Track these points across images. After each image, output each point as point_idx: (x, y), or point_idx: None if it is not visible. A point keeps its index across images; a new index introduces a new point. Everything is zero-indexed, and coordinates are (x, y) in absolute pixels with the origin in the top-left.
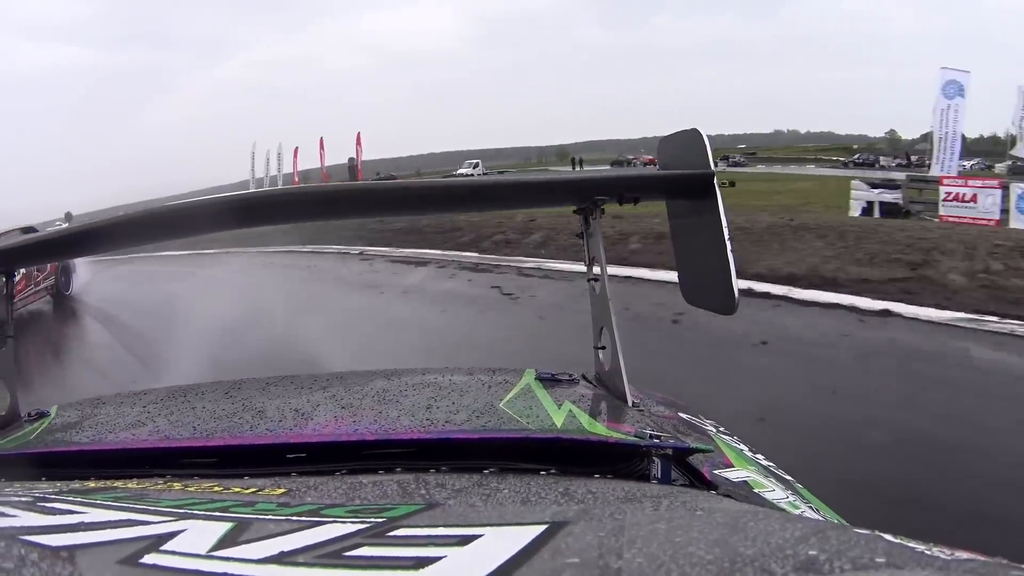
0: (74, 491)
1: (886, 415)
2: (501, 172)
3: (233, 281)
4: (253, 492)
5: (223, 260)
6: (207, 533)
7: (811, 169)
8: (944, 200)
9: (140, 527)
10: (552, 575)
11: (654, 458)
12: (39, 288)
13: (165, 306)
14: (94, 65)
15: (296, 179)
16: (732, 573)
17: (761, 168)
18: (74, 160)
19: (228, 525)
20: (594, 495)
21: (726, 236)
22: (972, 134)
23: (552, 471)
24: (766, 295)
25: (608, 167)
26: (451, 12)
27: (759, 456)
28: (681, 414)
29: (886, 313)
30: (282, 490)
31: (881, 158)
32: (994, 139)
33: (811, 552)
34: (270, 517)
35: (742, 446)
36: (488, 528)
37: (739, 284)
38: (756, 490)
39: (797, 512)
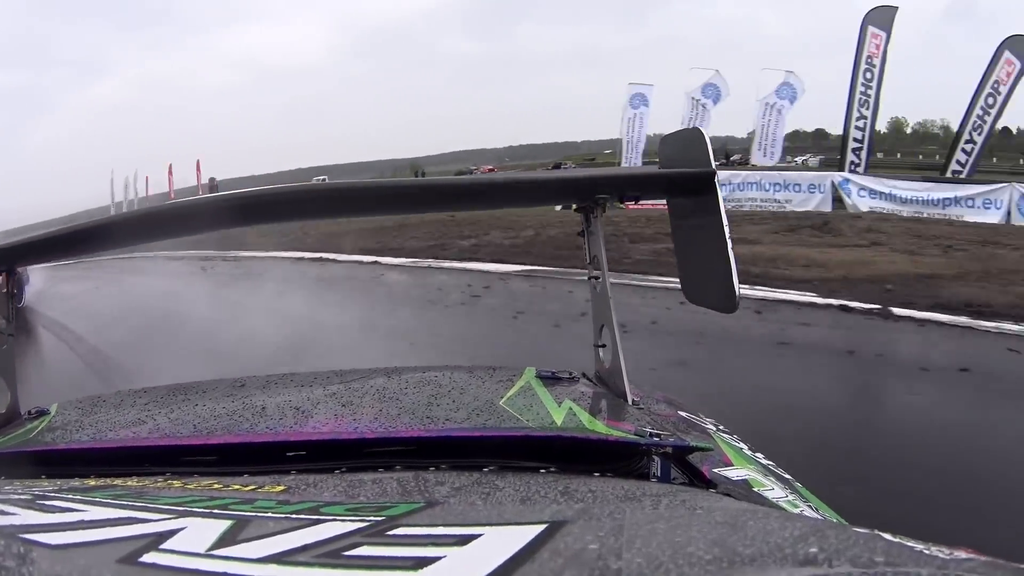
0: (74, 489)
1: None
2: None
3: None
4: (253, 490)
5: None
6: (207, 531)
7: None
8: None
9: (140, 525)
10: (552, 575)
11: (654, 456)
12: None
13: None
14: None
15: (172, 196)
16: (732, 572)
17: None
18: None
19: (228, 523)
20: (594, 494)
21: (727, 234)
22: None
23: (552, 469)
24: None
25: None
26: (320, 25)
27: (759, 455)
28: (681, 412)
29: None
30: (282, 488)
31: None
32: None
33: (810, 551)
34: (269, 515)
35: (742, 444)
36: (488, 527)
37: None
38: (756, 489)
39: (796, 511)
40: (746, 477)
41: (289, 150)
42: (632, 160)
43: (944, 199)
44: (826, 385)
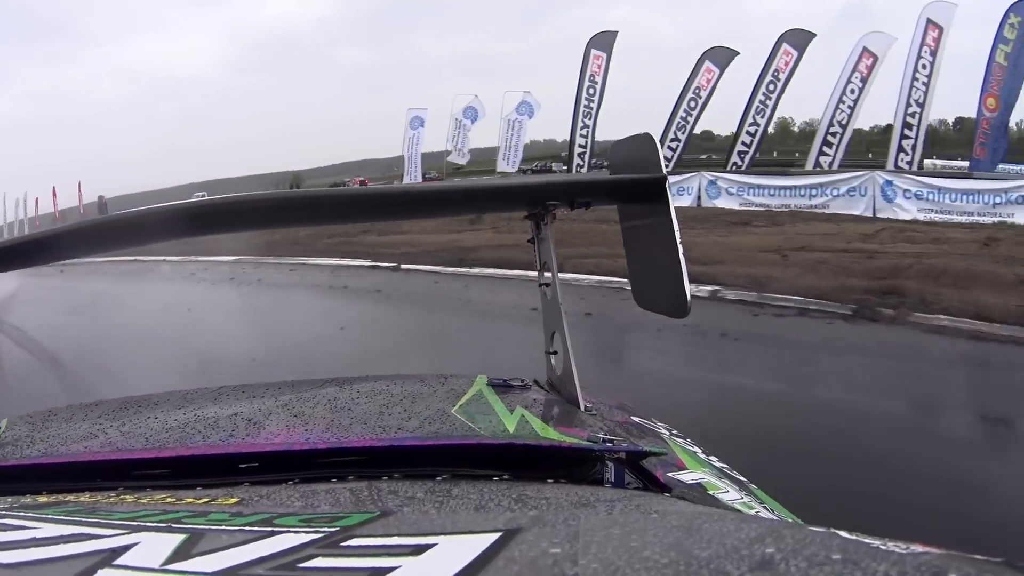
0: (25, 506)
1: None
2: None
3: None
4: (206, 503)
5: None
6: (160, 546)
7: None
8: None
9: (93, 541)
10: None
11: (607, 462)
12: None
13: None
14: None
15: (58, 216)
16: (688, 575)
17: None
18: None
19: (182, 537)
20: (548, 500)
21: (678, 240)
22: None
23: (505, 477)
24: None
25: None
26: (212, 36)
27: (713, 458)
28: (634, 418)
29: None
30: (235, 500)
31: (553, 164)
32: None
33: (767, 551)
34: (223, 528)
35: (696, 448)
36: (442, 536)
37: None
38: (710, 492)
39: (752, 512)
40: (700, 480)
41: (178, 164)
42: (413, 176)
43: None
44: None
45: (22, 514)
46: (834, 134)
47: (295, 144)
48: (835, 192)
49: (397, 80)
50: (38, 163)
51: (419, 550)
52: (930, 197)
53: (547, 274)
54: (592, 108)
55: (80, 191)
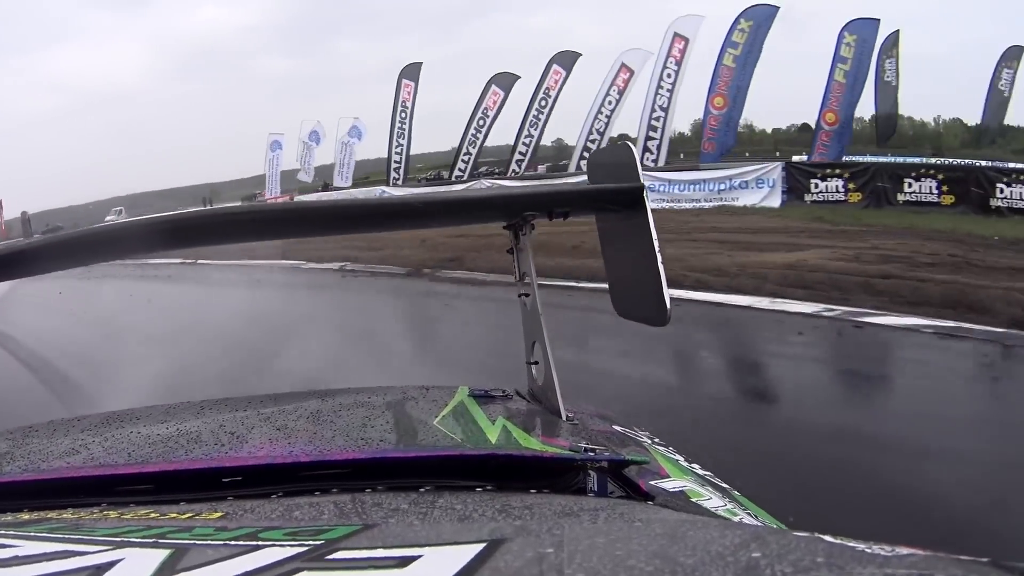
0: (6, 524)
1: None
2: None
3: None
4: (190, 517)
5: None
6: (145, 562)
7: None
8: None
9: (77, 558)
10: None
11: (590, 471)
12: None
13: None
14: None
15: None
16: None
17: None
18: None
19: (166, 552)
20: (531, 510)
21: (656, 248)
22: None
23: (489, 488)
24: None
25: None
26: (137, 46)
27: (695, 466)
28: (615, 427)
29: None
30: (219, 514)
31: (443, 173)
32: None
33: (752, 557)
34: (208, 542)
35: (678, 456)
36: (427, 548)
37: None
38: (693, 499)
39: (736, 519)
40: (683, 488)
41: (100, 178)
42: (272, 191)
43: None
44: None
45: (4, 532)
46: (593, 141)
47: (216, 156)
48: None
49: (322, 89)
50: None
51: (404, 562)
52: (662, 189)
53: (527, 283)
54: (405, 129)
55: (0, 207)
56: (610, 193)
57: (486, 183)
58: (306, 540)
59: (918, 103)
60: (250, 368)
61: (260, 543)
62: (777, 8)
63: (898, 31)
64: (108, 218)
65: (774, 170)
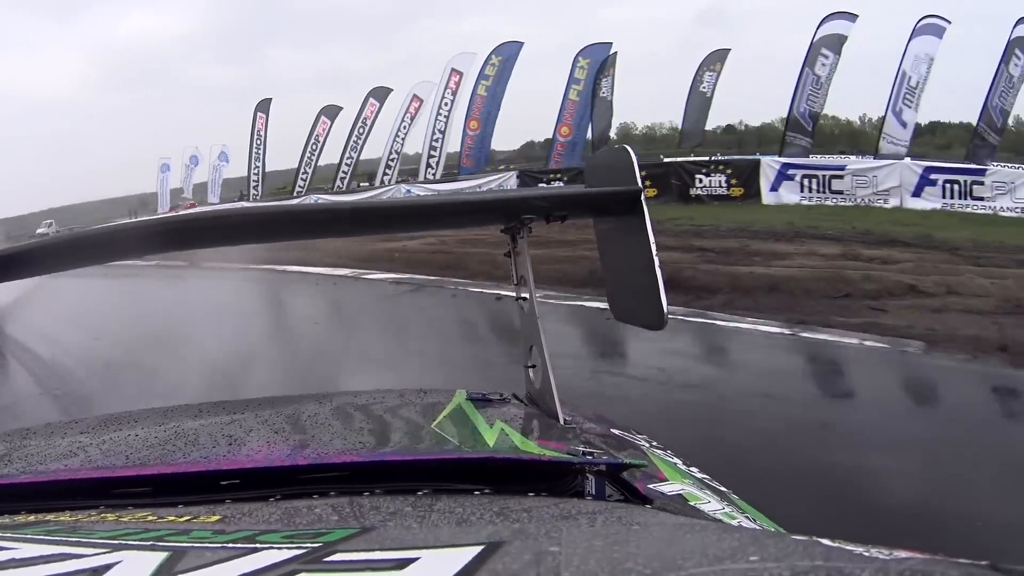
0: (4, 526)
1: None
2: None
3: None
4: (188, 520)
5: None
6: (143, 564)
7: None
8: None
9: (74, 561)
10: None
11: (588, 475)
12: None
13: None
14: None
15: None
16: None
17: None
18: None
19: (164, 555)
20: (529, 514)
21: (654, 252)
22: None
23: (486, 491)
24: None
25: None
26: (69, 55)
27: (693, 469)
28: (613, 430)
29: None
30: (217, 517)
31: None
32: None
33: (750, 559)
34: (206, 545)
35: (676, 459)
36: (425, 551)
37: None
38: (691, 503)
39: (733, 523)
40: (681, 491)
41: (32, 189)
42: (163, 207)
43: None
44: None
45: (1, 534)
46: (392, 159)
47: (147, 166)
48: None
49: (257, 96)
50: None
51: (402, 564)
52: None
53: (524, 289)
54: (260, 153)
55: None
56: (608, 196)
57: (313, 198)
58: (304, 543)
59: (636, 113)
60: None
61: (258, 546)
62: (522, 44)
63: (616, 53)
64: (39, 231)
65: (511, 178)
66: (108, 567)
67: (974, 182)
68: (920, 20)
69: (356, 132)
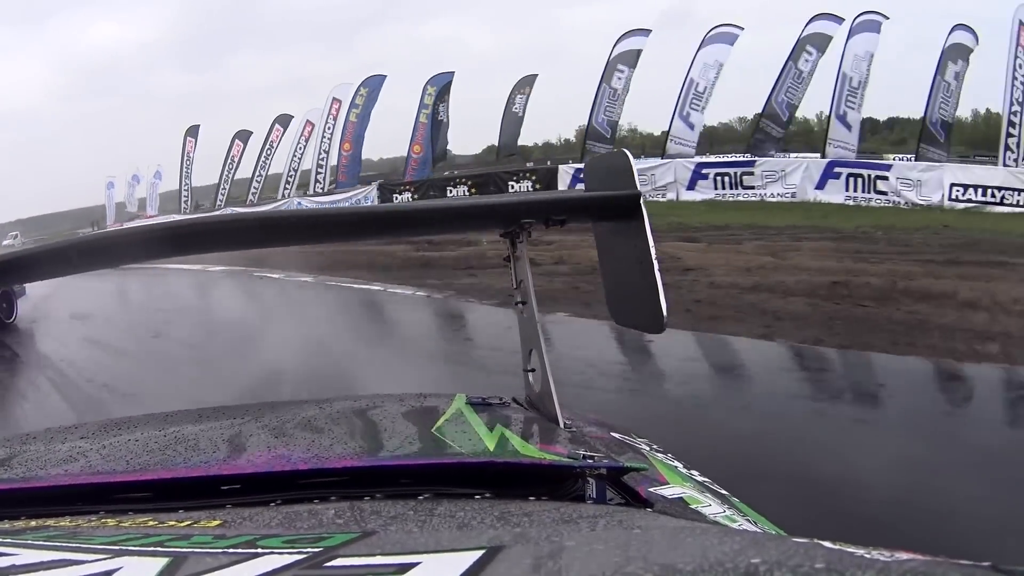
0: (4, 532)
1: None
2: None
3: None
4: (188, 525)
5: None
6: (144, 570)
7: None
8: None
9: (75, 567)
10: None
11: (588, 478)
12: None
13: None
14: None
15: None
16: None
17: None
18: None
19: (164, 560)
20: (530, 518)
21: (653, 256)
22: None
23: (487, 495)
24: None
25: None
26: (30, 63)
27: (694, 472)
28: (614, 433)
29: None
30: (217, 522)
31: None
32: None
33: (751, 563)
34: (206, 550)
35: (676, 463)
36: (426, 555)
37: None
38: (692, 506)
39: (735, 526)
40: (682, 495)
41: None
42: (111, 221)
43: None
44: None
45: (2, 540)
46: (291, 176)
47: (97, 180)
48: None
49: (219, 104)
50: None
51: (403, 569)
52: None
53: (524, 291)
54: (189, 171)
55: None
56: (607, 200)
57: (228, 209)
58: (305, 548)
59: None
60: None
61: (258, 551)
62: (385, 76)
63: (452, 80)
64: (5, 242)
65: (372, 190)
66: (109, 573)
67: (744, 173)
68: (711, 30)
69: (264, 153)
